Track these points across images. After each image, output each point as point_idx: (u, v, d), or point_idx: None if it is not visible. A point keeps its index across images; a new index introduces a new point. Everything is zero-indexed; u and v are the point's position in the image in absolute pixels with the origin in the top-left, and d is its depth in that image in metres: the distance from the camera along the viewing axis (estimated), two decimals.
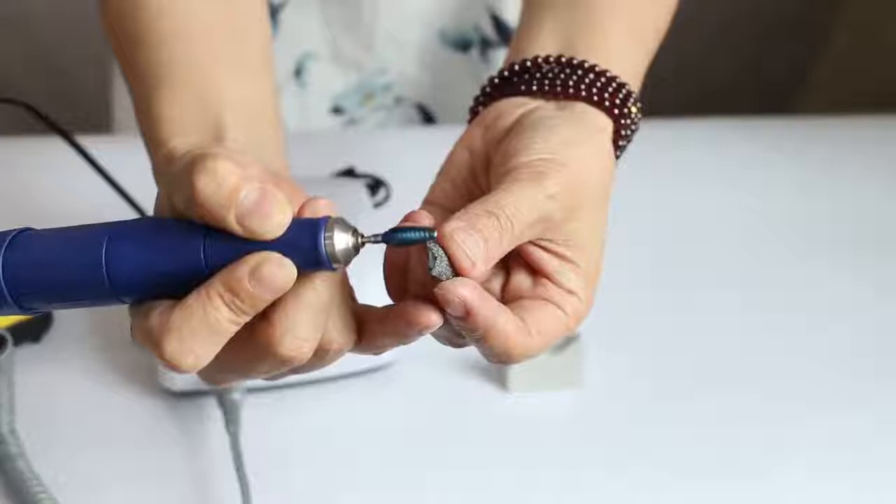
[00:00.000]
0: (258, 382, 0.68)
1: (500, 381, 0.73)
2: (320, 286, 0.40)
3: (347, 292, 0.43)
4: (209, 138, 0.45)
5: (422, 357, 0.74)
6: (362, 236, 0.40)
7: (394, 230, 0.40)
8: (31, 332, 0.73)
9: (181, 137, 0.45)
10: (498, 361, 0.43)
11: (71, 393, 0.71)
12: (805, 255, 0.89)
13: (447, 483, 0.67)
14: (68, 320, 0.75)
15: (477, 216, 0.41)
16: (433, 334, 0.44)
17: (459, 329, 0.42)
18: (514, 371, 0.72)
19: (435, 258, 0.40)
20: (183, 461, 0.66)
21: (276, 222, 0.38)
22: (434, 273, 0.40)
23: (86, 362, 0.73)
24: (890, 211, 0.96)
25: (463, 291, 0.40)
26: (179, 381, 0.68)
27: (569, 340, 0.72)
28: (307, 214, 0.40)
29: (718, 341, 0.79)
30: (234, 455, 0.63)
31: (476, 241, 0.41)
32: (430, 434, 0.70)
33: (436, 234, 0.40)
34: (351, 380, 0.73)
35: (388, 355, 0.73)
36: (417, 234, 0.40)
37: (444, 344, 0.46)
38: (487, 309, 0.41)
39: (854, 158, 1.03)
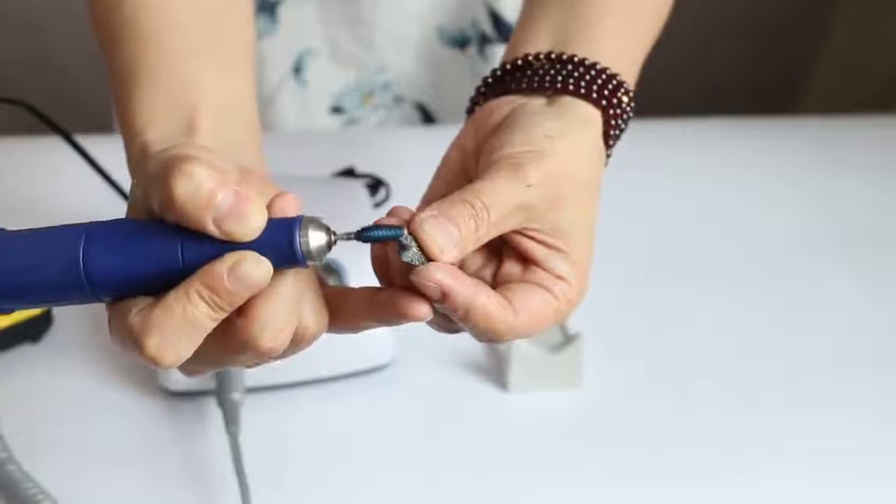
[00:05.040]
0: (258, 382, 0.69)
1: (500, 381, 0.73)
2: (294, 279, 0.41)
3: (315, 278, 0.44)
4: (182, 131, 0.46)
5: (422, 357, 0.75)
6: (335, 234, 0.41)
7: (365, 229, 0.42)
8: (30, 332, 0.73)
9: (154, 130, 0.46)
10: (487, 340, 0.44)
11: (70, 393, 0.71)
12: (805, 254, 0.89)
13: (447, 482, 0.67)
14: (68, 320, 0.75)
15: (451, 204, 0.43)
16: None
17: (441, 310, 0.43)
18: (514, 371, 0.72)
19: (405, 247, 0.41)
20: (183, 461, 0.66)
21: (252, 225, 0.39)
22: (405, 260, 0.41)
23: (85, 362, 0.73)
24: (890, 211, 0.96)
25: (437, 275, 0.41)
26: (179, 382, 0.68)
27: (569, 340, 0.72)
28: (276, 211, 0.41)
29: (718, 341, 0.79)
30: (234, 455, 0.63)
31: (446, 228, 0.42)
32: (430, 434, 0.70)
33: (405, 231, 0.41)
34: (351, 380, 0.73)
35: (388, 355, 0.73)
36: (387, 231, 0.41)
37: (438, 330, 0.46)
38: (465, 288, 0.42)
39: (854, 158, 1.03)
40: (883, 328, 0.81)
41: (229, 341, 0.41)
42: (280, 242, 0.40)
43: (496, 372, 0.74)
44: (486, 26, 0.97)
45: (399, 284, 0.43)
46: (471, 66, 1.00)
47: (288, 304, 0.41)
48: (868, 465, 0.69)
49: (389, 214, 0.43)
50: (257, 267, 0.39)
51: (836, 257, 0.89)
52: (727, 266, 0.87)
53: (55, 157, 0.79)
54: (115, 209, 0.73)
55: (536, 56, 0.50)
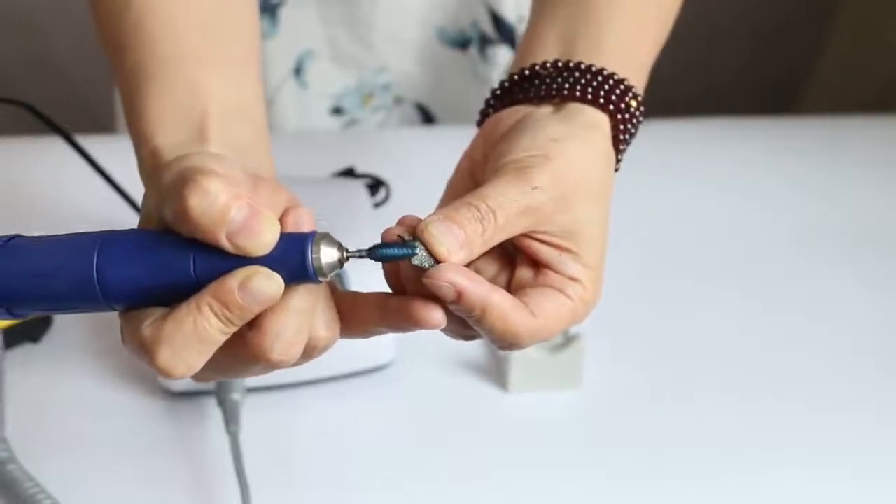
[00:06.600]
0: (258, 382, 0.69)
1: (500, 381, 0.73)
2: (305, 293, 0.41)
3: (328, 289, 0.44)
4: (192, 136, 0.46)
5: (422, 357, 0.75)
6: (347, 251, 0.41)
7: (378, 246, 0.42)
8: (30, 333, 0.73)
9: (163, 135, 0.46)
10: (507, 346, 0.44)
11: (70, 393, 0.71)
12: (805, 255, 0.89)
13: (447, 483, 0.67)
14: (68, 321, 0.75)
15: (456, 208, 0.43)
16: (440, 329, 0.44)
17: (457, 313, 0.43)
18: (514, 371, 0.72)
19: (415, 253, 0.41)
20: (183, 461, 0.66)
21: (265, 241, 0.40)
22: (415, 263, 0.41)
23: (86, 363, 0.73)
24: (890, 211, 0.96)
25: (449, 275, 0.41)
26: (179, 382, 0.68)
27: (569, 340, 0.72)
28: (289, 225, 0.41)
29: (718, 341, 0.79)
30: (234, 455, 0.63)
31: (451, 229, 0.42)
32: (430, 434, 0.70)
33: (417, 252, 0.41)
34: (351, 380, 0.73)
35: (388, 356, 0.73)
36: (400, 250, 0.41)
37: (454, 338, 0.46)
38: (479, 287, 0.42)
39: (854, 158, 1.03)
40: (883, 328, 0.81)
41: (241, 353, 0.42)
42: (292, 258, 0.40)
43: (496, 372, 0.74)
44: (487, 27, 0.97)
45: (411, 292, 0.43)
46: (471, 67, 0.99)
47: (300, 317, 0.41)
48: (868, 465, 0.69)
49: (398, 224, 0.43)
50: (268, 282, 0.39)
51: (836, 257, 0.89)
52: (727, 266, 0.87)
53: (55, 157, 0.79)
54: (115, 209, 0.73)
55: (543, 65, 0.50)
